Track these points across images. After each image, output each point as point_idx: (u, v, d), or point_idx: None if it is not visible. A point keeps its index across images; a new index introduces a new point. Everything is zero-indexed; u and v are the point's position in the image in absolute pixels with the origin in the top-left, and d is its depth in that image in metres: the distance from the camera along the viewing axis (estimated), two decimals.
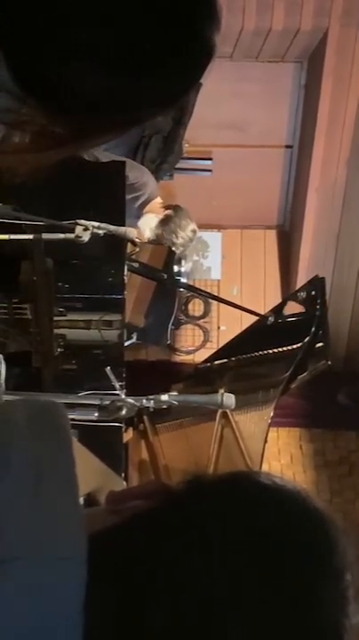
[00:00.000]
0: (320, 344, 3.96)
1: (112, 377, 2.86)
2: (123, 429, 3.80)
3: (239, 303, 4.91)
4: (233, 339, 4.80)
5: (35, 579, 0.72)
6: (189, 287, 5.27)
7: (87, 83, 1.04)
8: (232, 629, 0.71)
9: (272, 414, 3.79)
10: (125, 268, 3.80)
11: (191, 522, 0.78)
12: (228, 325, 6.12)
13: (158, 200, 4.50)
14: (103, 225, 3.26)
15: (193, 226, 4.45)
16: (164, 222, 4.41)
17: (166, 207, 4.52)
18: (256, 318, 4.54)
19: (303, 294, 4.23)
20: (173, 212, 4.46)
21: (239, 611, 0.71)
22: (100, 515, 0.86)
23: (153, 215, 4.44)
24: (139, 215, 4.45)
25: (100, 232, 3.25)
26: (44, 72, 1.03)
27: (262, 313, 4.55)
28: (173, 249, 4.44)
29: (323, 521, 0.78)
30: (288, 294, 6.04)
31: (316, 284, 4.17)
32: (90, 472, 3.21)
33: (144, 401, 2.82)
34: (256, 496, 0.79)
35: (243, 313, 4.73)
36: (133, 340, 4.85)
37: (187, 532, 0.77)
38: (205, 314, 6.29)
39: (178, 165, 5.31)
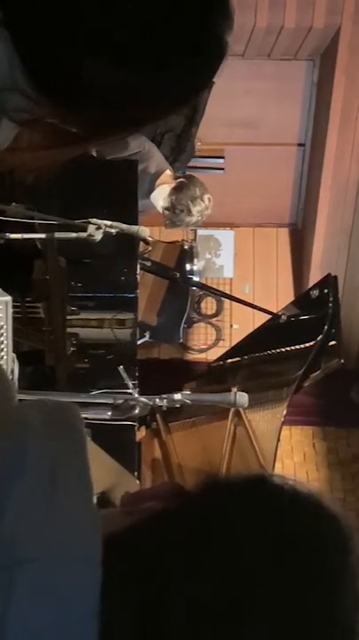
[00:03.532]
0: (333, 342, 3.96)
1: (125, 376, 2.86)
2: (137, 428, 3.80)
3: (251, 301, 4.91)
4: (245, 337, 4.80)
5: (50, 580, 0.72)
6: (202, 285, 5.28)
7: (99, 80, 1.04)
8: (248, 629, 0.71)
9: (285, 412, 3.79)
10: (138, 266, 3.80)
11: (208, 523, 0.78)
12: (241, 324, 6.12)
13: (168, 172, 4.41)
14: (115, 224, 3.26)
15: (208, 194, 4.33)
16: (178, 189, 4.27)
17: (178, 177, 4.44)
18: (268, 316, 4.54)
19: (316, 292, 4.22)
20: (187, 180, 4.36)
21: (255, 611, 0.71)
22: (115, 516, 0.86)
23: (166, 185, 4.35)
24: (151, 190, 4.36)
25: (113, 231, 3.25)
26: (57, 70, 1.04)
27: (275, 311, 4.55)
28: (189, 218, 4.31)
29: (338, 524, 0.79)
30: (300, 292, 6.04)
31: (329, 282, 4.16)
32: (103, 471, 3.22)
33: (157, 400, 2.82)
34: (272, 499, 0.80)
35: (256, 311, 4.73)
36: (146, 338, 4.86)
37: (204, 532, 0.78)
38: (218, 312, 6.30)
39: (190, 164, 5.30)
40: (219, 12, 1.06)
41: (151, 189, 4.33)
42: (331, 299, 4.07)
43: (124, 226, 3.30)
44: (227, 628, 0.71)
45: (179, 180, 4.31)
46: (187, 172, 5.21)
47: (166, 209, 4.27)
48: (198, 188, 4.26)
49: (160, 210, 4.33)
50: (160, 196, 4.30)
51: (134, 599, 0.74)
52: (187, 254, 4.92)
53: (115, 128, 1.18)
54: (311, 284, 5.26)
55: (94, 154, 3.95)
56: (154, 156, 4.34)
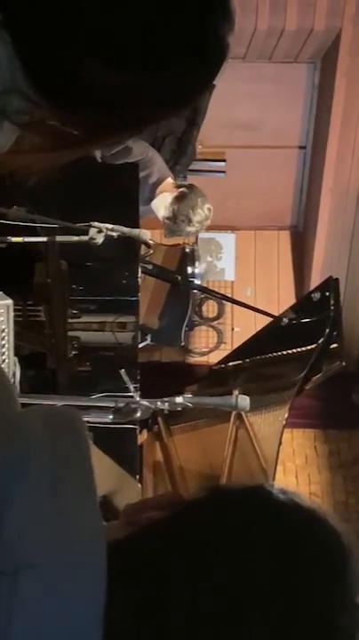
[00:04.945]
0: (334, 345, 3.95)
1: (126, 379, 2.86)
2: (138, 431, 3.80)
3: (253, 304, 4.91)
4: (247, 340, 4.79)
5: (53, 585, 0.72)
6: (203, 288, 5.27)
7: (99, 80, 1.04)
8: (248, 631, 0.71)
9: (286, 415, 3.78)
10: (139, 269, 3.80)
11: (208, 527, 0.79)
12: (242, 326, 6.11)
13: (170, 180, 4.43)
14: (117, 227, 3.26)
15: (208, 204, 4.34)
16: (180, 199, 4.27)
17: (180, 186, 4.45)
18: (270, 319, 4.54)
19: (317, 295, 4.22)
20: (188, 190, 4.40)
21: (255, 612, 0.71)
22: (118, 527, 0.86)
23: (167, 193, 4.35)
24: (151, 198, 4.37)
25: (114, 234, 3.25)
26: (57, 70, 1.04)
27: (276, 314, 4.55)
28: (189, 228, 4.32)
29: (336, 532, 0.79)
30: (302, 295, 6.03)
31: (330, 284, 4.16)
32: (105, 474, 3.22)
33: (158, 403, 2.81)
34: (273, 506, 0.80)
35: (257, 314, 4.72)
36: (147, 341, 4.85)
37: (204, 537, 0.78)
38: (219, 315, 6.29)
39: (191, 167, 5.31)
40: (220, 12, 1.06)
41: (152, 197, 4.34)
42: (332, 301, 4.07)
43: (126, 229, 3.30)
44: (227, 629, 0.71)
45: (180, 190, 4.32)
46: (189, 176, 5.23)
47: (167, 218, 4.28)
48: (199, 198, 4.27)
49: (161, 218, 4.34)
50: (161, 205, 4.31)
51: (135, 602, 0.74)
52: (188, 257, 4.91)
53: (115, 129, 1.18)
54: (312, 286, 5.26)
55: (99, 159, 3.96)
56: (156, 164, 4.35)
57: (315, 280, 5.94)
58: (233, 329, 6.38)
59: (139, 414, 2.79)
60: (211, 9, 1.05)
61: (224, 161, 6.17)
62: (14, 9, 0.99)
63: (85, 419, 0.93)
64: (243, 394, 2.93)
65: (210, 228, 5.14)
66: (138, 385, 3.39)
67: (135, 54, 1.02)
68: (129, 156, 4.15)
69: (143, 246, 3.79)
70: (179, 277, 4.69)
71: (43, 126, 1.13)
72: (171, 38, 1.03)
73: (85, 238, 3.19)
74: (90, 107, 1.08)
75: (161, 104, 1.13)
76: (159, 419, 4.33)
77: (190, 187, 4.39)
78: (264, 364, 4.43)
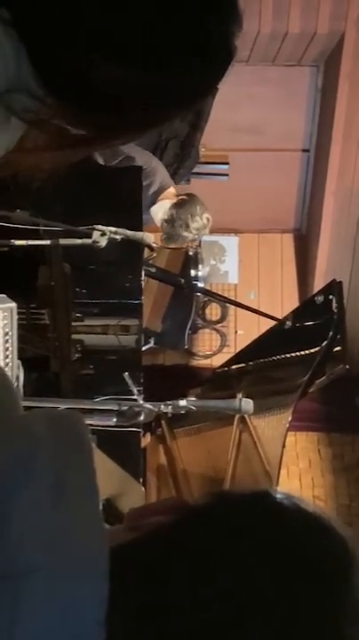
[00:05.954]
0: (338, 348, 3.95)
1: (130, 382, 2.86)
2: (142, 434, 3.79)
3: (256, 307, 4.91)
4: (250, 343, 4.79)
5: (53, 587, 0.71)
6: (206, 292, 5.27)
7: (99, 80, 1.04)
8: (250, 635, 0.71)
9: (290, 418, 3.78)
10: (142, 272, 3.80)
11: (211, 533, 0.78)
12: (246, 329, 6.11)
13: (172, 190, 4.46)
14: (120, 230, 3.26)
15: (207, 214, 4.37)
16: (179, 205, 4.33)
17: (180, 195, 4.48)
18: (273, 322, 4.54)
19: (320, 298, 4.21)
20: (188, 198, 4.42)
21: (258, 616, 0.71)
22: (121, 532, 0.86)
23: (167, 201, 4.39)
24: (151, 206, 4.40)
25: (118, 237, 3.25)
26: (58, 69, 1.04)
27: (279, 317, 4.54)
28: (186, 234, 4.35)
29: (342, 539, 0.79)
30: (305, 298, 6.03)
31: (334, 287, 4.15)
32: (108, 477, 3.22)
33: (162, 406, 2.81)
34: (276, 511, 0.80)
35: (261, 317, 4.72)
36: (151, 344, 4.85)
37: (207, 542, 0.77)
38: (223, 318, 6.28)
39: (194, 170, 5.31)
40: (223, 12, 1.06)
41: (152, 205, 4.36)
42: (335, 304, 4.06)
43: (129, 232, 3.31)
44: (229, 634, 0.71)
45: (180, 197, 4.35)
46: (192, 179, 5.23)
47: (165, 221, 4.30)
48: (199, 207, 4.31)
49: (158, 223, 4.36)
50: (160, 210, 4.34)
51: (137, 606, 0.74)
52: (191, 260, 4.91)
53: (117, 129, 1.18)
54: (316, 289, 5.25)
55: (102, 162, 3.97)
56: (158, 173, 4.37)
57: (319, 283, 5.94)
58: (236, 332, 6.38)
59: (142, 417, 2.79)
60: (211, 9, 1.05)
61: (227, 164, 6.17)
62: (16, 7, 1.00)
63: (89, 422, 0.93)
64: (247, 397, 2.93)
65: (213, 231, 5.15)
66: (141, 388, 3.38)
67: (135, 54, 1.02)
68: (132, 165, 4.16)
69: (146, 249, 3.80)
70: (183, 280, 4.69)
71: (48, 125, 1.13)
72: (171, 38, 1.03)
73: (89, 241, 3.19)
74: (90, 106, 1.09)
75: (162, 104, 1.13)
76: (163, 422, 4.33)
77: (191, 195, 4.41)
78: (267, 367, 4.43)
